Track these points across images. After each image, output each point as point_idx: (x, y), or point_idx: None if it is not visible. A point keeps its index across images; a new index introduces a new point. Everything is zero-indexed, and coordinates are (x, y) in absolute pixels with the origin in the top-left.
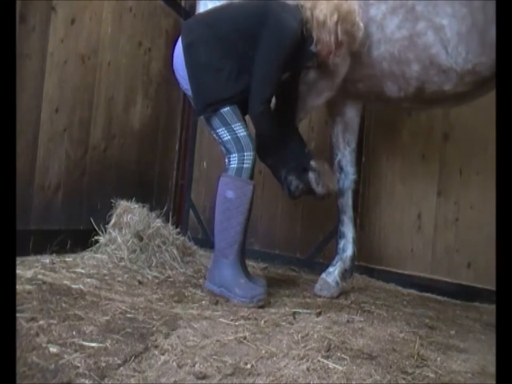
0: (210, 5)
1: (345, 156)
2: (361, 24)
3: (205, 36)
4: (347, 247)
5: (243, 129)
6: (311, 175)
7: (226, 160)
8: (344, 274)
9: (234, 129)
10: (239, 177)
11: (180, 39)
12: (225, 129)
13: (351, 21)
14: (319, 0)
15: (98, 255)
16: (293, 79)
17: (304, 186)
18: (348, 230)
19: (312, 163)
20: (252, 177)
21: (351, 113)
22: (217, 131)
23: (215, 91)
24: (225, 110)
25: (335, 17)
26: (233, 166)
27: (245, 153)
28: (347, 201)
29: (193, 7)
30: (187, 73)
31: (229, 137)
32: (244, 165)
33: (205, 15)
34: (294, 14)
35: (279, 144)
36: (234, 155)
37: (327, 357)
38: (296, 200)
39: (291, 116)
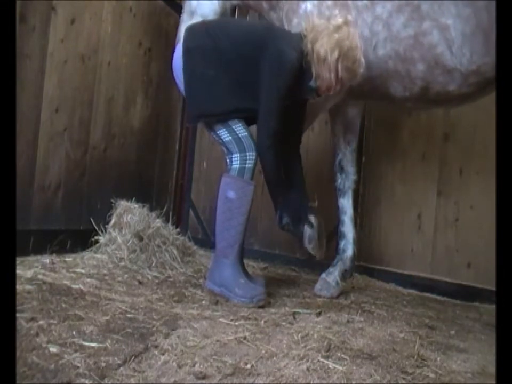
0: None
1: (346, 156)
2: (363, 60)
3: (205, 46)
4: (347, 247)
5: (244, 130)
6: (308, 230)
7: (228, 160)
8: (344, 275)
9: (235, 129)
10: (241, 178)
11: (181, 41)
12: (226, 130)
13: (353, 57)
14: (321, 33)
15: (98, 255)
16: (293, 110)
17: (296, 232)
18: (348, 231)
19: (312, 219)
20: (253, 177)
21: (352, 113)
22: (218, 132)
23: (208, 103)
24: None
25: (336, 53)
26: (235, 166)
27: (247, 153)
28: (347, 201)
29: None
30: (183, 78)
31: (230, 137)
32: (247, 165)
33: (210, 24)
34: (294, 45)
35: (282, 182)
36: (236, 155)
37: (327, 357)
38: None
39: (295, 148)
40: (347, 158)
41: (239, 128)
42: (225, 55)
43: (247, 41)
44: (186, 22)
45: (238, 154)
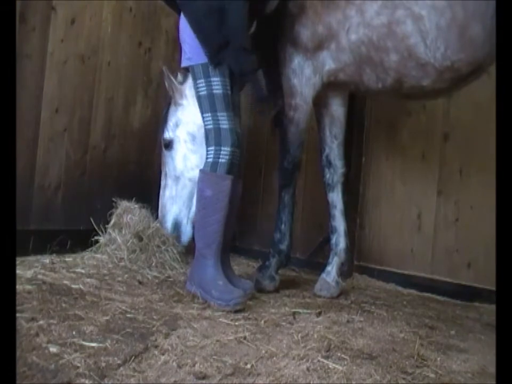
0: None
1: (333, 150)
2: None
3: None
4: (339, 240)
5: (227, 122)
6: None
7: (206, 152)
8: (342, 269)
9: (219, 118)
10: (215, 173)
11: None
12: (211, 115)
13: None
14: None
15: (98, 255)
16: None
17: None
18: (340, 224)
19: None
20: (229, 172)
21: (336, 105)
22: (203, 115)
23: (219, 33)
24: (220, 92)
25: None
26: (209, 160)
27: (222, 148)
28: (337, 195)
29: None
30: (190, 26)
31: (212, 126)
32: (220, 160)
33: None
34: None
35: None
36: (211, 148)
37: (327, 357)
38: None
39: None
40: (334, 152)
41: (223, 118)
42: None
43: None
44: None
45: (213, 148)
